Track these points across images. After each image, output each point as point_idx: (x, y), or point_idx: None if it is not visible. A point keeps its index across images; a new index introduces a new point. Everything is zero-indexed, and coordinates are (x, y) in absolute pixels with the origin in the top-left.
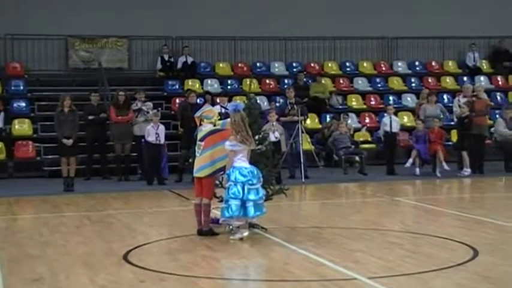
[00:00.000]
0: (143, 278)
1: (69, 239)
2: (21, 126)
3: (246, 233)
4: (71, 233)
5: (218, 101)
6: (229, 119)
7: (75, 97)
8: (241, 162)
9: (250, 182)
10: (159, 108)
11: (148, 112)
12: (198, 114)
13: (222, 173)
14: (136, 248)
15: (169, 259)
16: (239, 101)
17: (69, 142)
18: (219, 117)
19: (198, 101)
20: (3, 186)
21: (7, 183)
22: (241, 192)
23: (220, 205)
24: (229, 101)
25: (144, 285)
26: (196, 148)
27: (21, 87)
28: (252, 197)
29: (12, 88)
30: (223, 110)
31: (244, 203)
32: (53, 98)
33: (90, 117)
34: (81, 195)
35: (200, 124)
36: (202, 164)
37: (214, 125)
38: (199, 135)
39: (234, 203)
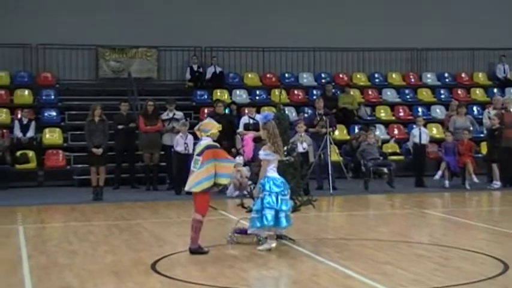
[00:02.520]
0: (170, 287)
1: (98, 248)
2: (52, 135)
3: (274, 244)
4: (99, 242)
5: (246, 111)
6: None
7: (105, 107)
8: (273, 173)
9: (283, 193)
10: (188, 118)
11: (180, 120)
12: (196, 127)
13: (250, 182)
14: (164, 257)
15: (197, 269)
16: (268, 111)
17: (99, 151)
18: (219, 128)
19: (226, 111)
20: (33, 194)
21: (37, 192)
22: (275, 202)
23: (249, 215)
24: (258, 111)
25: None
26: (193, 163)
27: (52, 97)
28: (284, 207)
29: (43, 97)
30: (251, 121)
31: (277, 213)
32: (83, 108)
33: (120, 127)
34: (109, 204)
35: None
36: (198, 179)
37: (214, 140)
38: (197, 149)
39: (270, 213)
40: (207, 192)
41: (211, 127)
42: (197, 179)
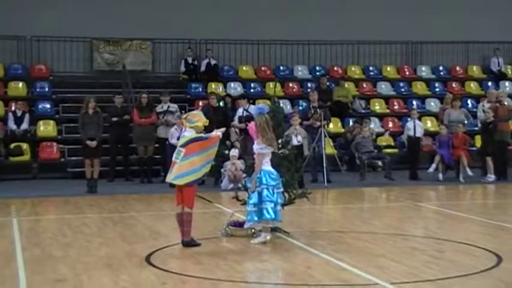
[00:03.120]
0: (165, 280)
1: (92, 240)
2: (46, 128)
3: (268, 237)
4: (93, 234)
5: (240, 104)
6: (213, 133)
7: (99, 99)
8: (268, 166)
9: (278, 186)
10: (182, 111)
11: (176, 112)
12: (184, 116)
13: (244, 175)
14: (158, 250)
15: (191, 262)
16: (263, 104)
17: (93, 144)
18: (205, 123)
19: (221, 104)
20: (27, 187)
21: (31, 184)
22: (273, 195)
23: (244, 208)
24: (253, 103)
25: None
26: (175, 153)
27: (46, 89)
28: (279, 200)
29: (38, 90)
30: (244, 113)
31: (275, 206)
32: (77, 100)
33: (114, 119)
34: (104, 197)
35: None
36: (182, 171)
37: (198, 133)
38: (181, 141)
39: (270, 206)
40: (192, 185)
41: (197, 119)
42: (180, 172)
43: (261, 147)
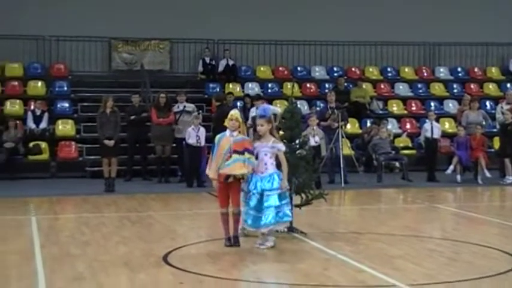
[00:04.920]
0: (182, 279)
1: (109, 239)
2: (65, 127)
3: (272, 243)
4: (111, 233)
5: (260, 103)
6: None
7: (117, 98)
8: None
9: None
10: (200, 111)
11: (192, 112)
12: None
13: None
14: (175, 249)
15: (208, 261)
16: (265, 105)
17: (111, 143)
18: (230, 118)
19: (238, 104)
20: (46, 185)
21: (50, 183)
22: (276, 200)
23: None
24: (270, 103)
25: (183, 287)
26: None
27: (65, 88)
28: (266, 204)
29: (56, 89)
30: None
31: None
32: (95, 99)
33: (132, 117)
34: (121, 196)
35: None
36: None
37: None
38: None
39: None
40: (219, 182)
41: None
42: None
43: (282, 145)
